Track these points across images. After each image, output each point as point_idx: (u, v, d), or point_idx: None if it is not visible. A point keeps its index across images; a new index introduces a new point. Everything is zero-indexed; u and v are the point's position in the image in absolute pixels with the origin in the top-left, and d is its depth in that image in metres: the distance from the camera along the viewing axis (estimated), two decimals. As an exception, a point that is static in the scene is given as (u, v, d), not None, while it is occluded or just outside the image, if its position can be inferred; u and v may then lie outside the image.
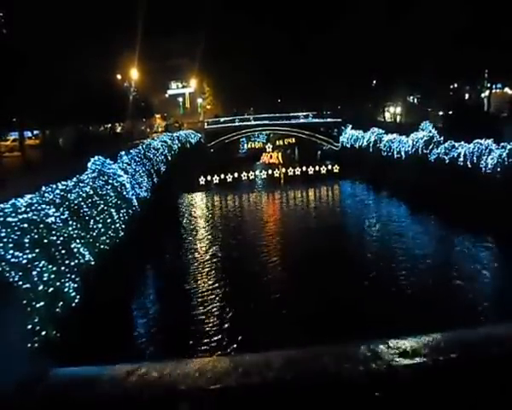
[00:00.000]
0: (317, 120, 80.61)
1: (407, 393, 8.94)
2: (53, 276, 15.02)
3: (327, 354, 10.69)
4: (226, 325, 19.46)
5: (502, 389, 8.68)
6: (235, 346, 17.80)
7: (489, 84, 56.23)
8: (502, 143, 32.37)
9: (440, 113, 57.17)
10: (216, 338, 18.38)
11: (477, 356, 9.42)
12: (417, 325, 17.41)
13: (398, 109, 74.31)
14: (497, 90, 61.26)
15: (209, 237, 35.10)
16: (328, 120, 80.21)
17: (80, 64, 33.63)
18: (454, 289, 22.46)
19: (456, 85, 65.43)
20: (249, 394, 9.28)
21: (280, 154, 75.17)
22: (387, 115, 77.38)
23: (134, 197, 28.86)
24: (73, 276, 16.48)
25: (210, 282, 24.82)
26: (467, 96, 64.73)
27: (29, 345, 12.48)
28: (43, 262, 14.69)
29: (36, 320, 13.17)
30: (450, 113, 50.68)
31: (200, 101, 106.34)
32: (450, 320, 17.39)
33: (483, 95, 58.43)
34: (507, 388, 8.60)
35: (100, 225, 21.33)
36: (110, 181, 25.41)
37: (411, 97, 77.32)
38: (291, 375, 9.42)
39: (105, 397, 9.60)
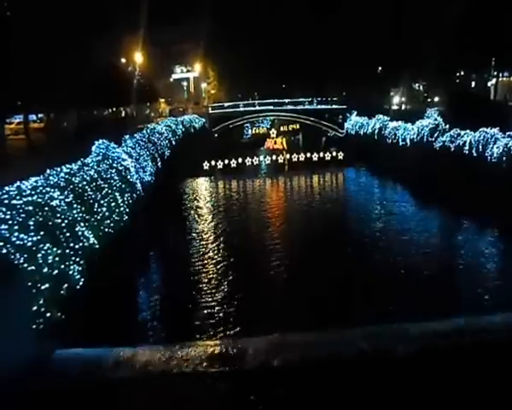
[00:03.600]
0: (321, 107, 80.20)
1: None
2: (57, 258, 15.11)
3: (329, 338, 10.78)
4: (229, 306, 19.57)
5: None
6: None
7: (495, 72, 55.74)
8: (508, 132, 32.14)
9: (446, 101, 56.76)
10: (219, 319, 18.53)
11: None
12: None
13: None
14: (504, 78, 60.73)
15: (213, 221, 35.13)
16: (333, 106, 79.80)
17: (85, 47, 33.48)
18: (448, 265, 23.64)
19: (462, 73, 64.89)
20: (256, 376, 9.40)
21: (284, 140, 74.91)
22: (396, 101, 76.55)
23: (138, 181, 28.88)
24: (78, 259, 16.58)
25: (213, 265, 24.87)
26: (473, 84, 64.22)
27: (34, 326, 12.60)
28: (47, 245, 14.78)
29: (41, 302, 13.28)
30: (456, 101, 50.28)
31: (204, 85, 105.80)
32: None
33: (489, 83, 57.97)
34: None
35: (104, 209, 21.39)
36: (114, 165, 25.40)
37: (417, 85, 76.82)
38: (299, 358, 9.53)
39: (107, 378, 9.71)
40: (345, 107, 76.42)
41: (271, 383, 9.40)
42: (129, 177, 26.90)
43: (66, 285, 15.15)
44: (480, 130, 34.47)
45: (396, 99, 75.34)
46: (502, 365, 9.87)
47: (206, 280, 22.91)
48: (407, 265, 23.38)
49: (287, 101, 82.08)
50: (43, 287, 13.65)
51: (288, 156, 59.51)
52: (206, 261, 25.72)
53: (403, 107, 72.77)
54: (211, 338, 16.60)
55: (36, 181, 16.79)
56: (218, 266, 24.68)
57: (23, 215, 14.54)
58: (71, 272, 15.87)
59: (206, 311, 19.47)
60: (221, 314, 19.07)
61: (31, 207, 15.13)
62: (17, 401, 9.15)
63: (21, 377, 9.48)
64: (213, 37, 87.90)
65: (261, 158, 60.73)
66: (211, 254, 27.00)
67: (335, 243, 27.78)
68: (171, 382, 9.33)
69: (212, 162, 56.43)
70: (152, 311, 20.05)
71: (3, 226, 13.53)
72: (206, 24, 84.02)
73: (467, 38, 45.88)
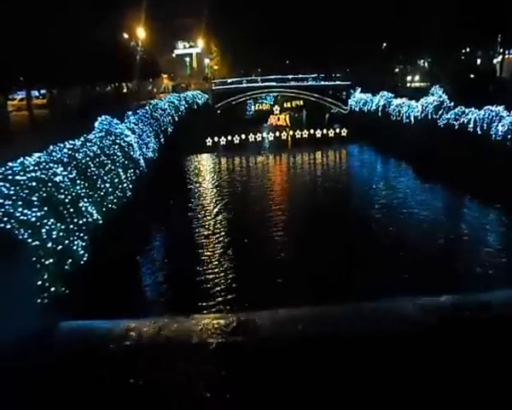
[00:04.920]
0: (325, 83, 79.54)
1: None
2: (61, 234, 15.21)
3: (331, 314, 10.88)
4: (231, 282, 19.73)
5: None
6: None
7: (502, 50, 55.07)
8: (513, 110, 31.92)
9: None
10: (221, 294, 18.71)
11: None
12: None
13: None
14: (510, 56, 60.02)
15: (216, 197, 35.19)
16: (337, 82, 79.14)
17: (89, 22, 33.22)
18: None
19: (468, 50, 64.18)
20: (255, 349, 9.54)
21: (287, 116, 74.45)
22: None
23: (141, 157, 28.88)
24: (81, 234, 16.68)
25: (215, 241, 25.05)
26: (479, 61, 63.53)
27: (39, 301, 12.76)
28: (51, 220, 14.85)
29: (45, 277, 13.42)
30: (461, 78, 49.78)
31: (207, 61, 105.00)
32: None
33: (495, 60, 57.33)
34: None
35: (107, 185, 21.45)
36: (117, 141, 25.38)
37: (422, 61, 76.06)
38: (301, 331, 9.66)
39: (110, 349, 9.88)
40: (349, 83, 75.75)
41: (271, 356, 9.53)
42: (132, 153, 26.90)
43: (70, 260, 15.28)
44: (485, 108, 34.19)
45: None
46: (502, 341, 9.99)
47: (207, 255, 23.10)
48: (406, 238, 24.01)
49: (290, 77, 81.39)
50: (47, 262, 13.77)
51: (291, 133, 59.21)
52: (208, 237, 25.89)
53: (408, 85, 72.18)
54: (212, 311, 16.83)
55: (39, 157, 16.83)
56: (221, 243, 24.84)
57: (27, 191, 14.61)
58: (75, 248, 15.99)
59: (207, 285, 19.66)
60: (222, 290, 19.22)
61: (34, 183, 15.19)
62: (21, 372, 9.31)
63: (25, 350, 9.64)
64: (215, 11, 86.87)
65: (264, 134, 60.44)
66: (213, 230, 27.14)
67: (337, 218, 27.96)
68: (175, 352, 9.47)
69: (215, 139, 56.21)
70: (154, 285, 20.30)
71: (7, 202, 13.59)
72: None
73: (469, 14, 45.27)
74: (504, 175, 27.79)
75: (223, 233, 26.44)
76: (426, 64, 75.38)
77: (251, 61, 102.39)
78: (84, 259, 16.27)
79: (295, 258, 22.09)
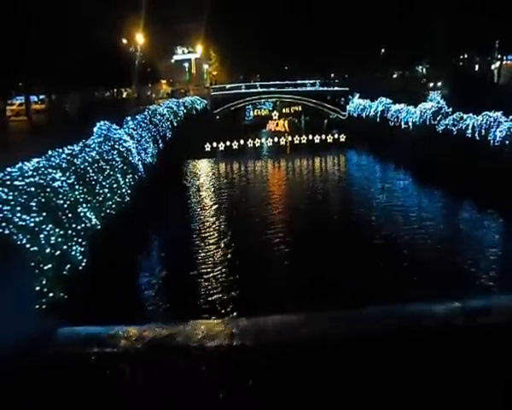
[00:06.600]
0: (324, 89, 79.72)
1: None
2: (60, 239, 15.21)
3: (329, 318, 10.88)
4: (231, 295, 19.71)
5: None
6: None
7: (499, 56, 55.26)
8: (511, 116, 32.00)
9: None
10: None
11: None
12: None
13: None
14: (508, 62, 60.23)
15: (214, 204, 35.14)
16: (336, 88, 79.34)
17: (87, 27, 33.30)
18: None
19: (465, 56, 64.37)
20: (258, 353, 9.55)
21: (286, 122, 74.65)
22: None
23: (140, 163, 28.91)
24: (80, 239, 16.67)
25: (214, 249, 24.94)
26: (476, 67, 63.70)
27: (37, 306, 12.74)
28: (50, 225, 14.85)
29: (44, 282, 13.40)
30: (459, 84, 49.94)
31: (206, 67, 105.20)
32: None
33: (493, 66, 57.52)
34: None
35: (106, 190, 21.48)
36: (116, 146, 25.42)
37: (420, 67, 76.30)
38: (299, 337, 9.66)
39: (110, 354, 9.88)
40: (347, 89, 75.93)
41: (274, 359, 9.54)
42: (130, 158, 26.94)
43: (68, 266, 15.27)
44: (483, 113, 34.32)
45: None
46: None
47: (205, 261, 22.99)
48: (403, 240, 24.41)
49: (289, 82, 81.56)
50: (45, 267, 13.76)
51: (289, 138, 59.31)
52: (206, 243, 25.79)
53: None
54: (212, 317, 16.80)
55: (38, 162, 16.83)
56: (218, 248, 24.76)
57: (25, 196, 14.61)
58: (73, 253, 15.97)
59: (204, 292, 19.60)
60: (219, 296, 19.16)
61: (33, 189, 15.20)
62: (18, 376, 9.30)
63: (23, 355, 9.63)
64: (214, 17, 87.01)
65: (263, 140, 60.54)
66: (211, 235, 27.07)
67: (336, 226, 28.00)
68: (174, 357, 9.47)
69: (214, 144, 56.25)
70: (152, 290, 20.23)
71: (6, 207, 13.59)
72: (207, 3, 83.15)
73: (472, 18, 45.43)
74: (502, 180, 27.85)
75: (220, 238, 26.40)
76: (424, 70, 75.63)
77: (250, 67, 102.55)
78: (83, 264, 16.26)
79: (295, 266, 22.08)
